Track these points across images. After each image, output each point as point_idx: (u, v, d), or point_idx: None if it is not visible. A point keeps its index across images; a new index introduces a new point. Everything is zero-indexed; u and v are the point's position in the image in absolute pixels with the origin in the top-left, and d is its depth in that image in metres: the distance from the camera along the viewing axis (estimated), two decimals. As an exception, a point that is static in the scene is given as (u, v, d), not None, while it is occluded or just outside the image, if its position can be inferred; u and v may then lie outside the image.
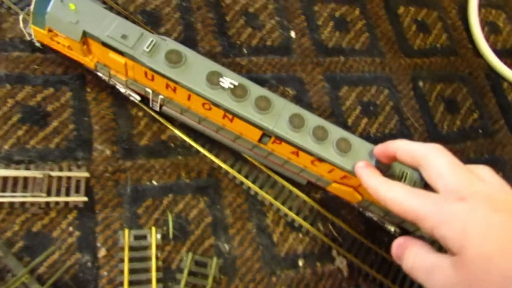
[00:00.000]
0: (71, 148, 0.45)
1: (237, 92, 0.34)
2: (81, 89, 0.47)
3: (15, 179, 0.41)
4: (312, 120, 0.37)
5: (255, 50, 0.57)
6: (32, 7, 0.36)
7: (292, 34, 0.60)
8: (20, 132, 0.44)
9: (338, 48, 0.62)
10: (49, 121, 0.45)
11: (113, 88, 0.46)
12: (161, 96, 0.38)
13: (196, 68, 0.35)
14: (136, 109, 0.47)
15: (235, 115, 0.35)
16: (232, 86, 0.34)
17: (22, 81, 0.46)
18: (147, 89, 0.39)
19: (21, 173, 0.41)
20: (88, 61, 0.39)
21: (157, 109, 0.43)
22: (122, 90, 0.44)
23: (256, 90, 0.36)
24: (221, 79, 0.35)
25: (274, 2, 0.61)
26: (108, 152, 0.46)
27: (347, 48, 0.62)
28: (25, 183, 0.41)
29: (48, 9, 0.34)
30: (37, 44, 0.44)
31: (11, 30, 0.47)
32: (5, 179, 0.41)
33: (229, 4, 0.59)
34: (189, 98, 0.36)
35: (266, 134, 0.36)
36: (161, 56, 0.34)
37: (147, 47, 0.34)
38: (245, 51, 0.56)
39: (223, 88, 0.34)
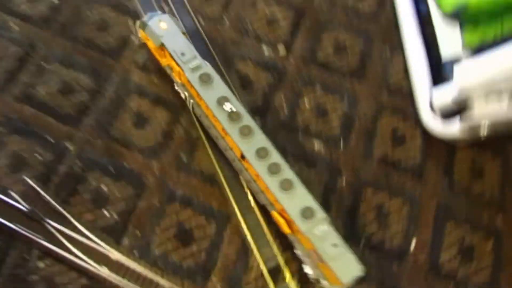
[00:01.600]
0: (194, 272, 0.58)
1: (232, 116, 0.44)
2: (223, 228, 0.61)
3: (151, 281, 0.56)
4: (274, 156, 0.44)
5: (372, 248, 0.64)
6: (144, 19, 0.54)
7: (412, 246, 0.65)
8: (169, 245, 0.59)
9: (452, 275, 0.64)
10: (191, 244, 0.60)
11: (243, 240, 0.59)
12: (191, 100, 0.51)
13: (216, 89, 0.46)
14: (252, 257, 0.59)
15: (225, 131, 0.46)
16: (229, 110, 0.44)
17: (188, 204, 0.62)
18: (186, 93, 0.52)
19: (155, 277, 0.56)
20: (164, 62, 0.54)
21: (190, 108, 0.55)
22: (176, 87, 0.57)
23: (246, 120, 0.45)
24: (226, 102, 0.44)
25: (410, 206, 0.68)
26: (218, 286, 0.57)
27: (461, 276, 0.64)
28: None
29: (149, 22, 0.52)
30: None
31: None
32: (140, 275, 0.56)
33: (368, 198, 0.67)
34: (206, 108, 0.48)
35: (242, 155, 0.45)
36: (197, 74, 0.46)
37: (192, 66, 0.46)
38: (361, 245, 0.63)
39: (224, 109, 0.44)
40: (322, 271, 0.39)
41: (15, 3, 0.70)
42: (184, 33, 0.49)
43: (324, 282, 0.40)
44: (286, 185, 0.41)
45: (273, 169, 0.42)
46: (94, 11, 0.71)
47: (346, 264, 0.38)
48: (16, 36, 0.68)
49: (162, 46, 0.48)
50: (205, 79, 0.45)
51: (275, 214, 0.43)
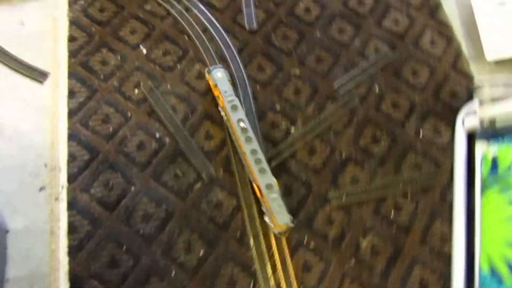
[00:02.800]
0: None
1: (243, 130, 0.67)
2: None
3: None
4: (259, 154, 0.66)
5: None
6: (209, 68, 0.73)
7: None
8: None
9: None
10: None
11: None
12: (225, 117, 0.71)
13: (238, 114, 0.68)
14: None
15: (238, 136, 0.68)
16: (242, 126, 0.66)
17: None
18: (223, 113, 0.71)
19: None
20: (216, 93, 0.71)
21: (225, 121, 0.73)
22: (220, 109, 0.73)
23: (249, 133, 0.66)
24: (241, 122, 0.66)
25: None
26: None
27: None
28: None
29: (212, 71, 0.71)
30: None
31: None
32: None
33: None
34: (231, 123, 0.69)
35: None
36: (230, 104, 0.68)
37: (228, 99, 0.68)
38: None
39: (240, 125, 0.67)
40: (272, 220, 0.63)
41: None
42: (229, 80, 0.71)
43: (272, 226, 0.64)
44: (262, 171, 0.65)
45: (257, 162, 0.66)
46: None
47: (282, 217, 0.62)
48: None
49: (216, 86, 0.71)
50: (233, 107, 0.68)
51: (254, 186, 0.67)
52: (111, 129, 0.70)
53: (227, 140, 0.71)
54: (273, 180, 0.64)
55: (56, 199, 0.66)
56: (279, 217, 0.61)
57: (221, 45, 0.78)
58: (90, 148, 0.69)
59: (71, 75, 0.74)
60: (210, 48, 0.78)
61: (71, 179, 0.67)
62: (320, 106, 0.75)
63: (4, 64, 0.75)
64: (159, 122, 0.71)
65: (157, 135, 0.70)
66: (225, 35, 0.79)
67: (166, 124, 0.71)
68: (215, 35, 0.79)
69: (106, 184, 0.67)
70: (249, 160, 0.65)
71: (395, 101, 0.76)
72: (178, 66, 0.76)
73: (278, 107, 0.74)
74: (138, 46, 0.77)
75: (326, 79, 0.77)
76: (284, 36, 0.80)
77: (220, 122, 0.72)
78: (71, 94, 0.73)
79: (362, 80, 0.77)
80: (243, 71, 0.76)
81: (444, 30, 0.82)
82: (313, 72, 0.77)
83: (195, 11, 0.81)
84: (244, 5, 0.82)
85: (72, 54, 0.76)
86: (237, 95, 0.70)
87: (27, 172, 0.68)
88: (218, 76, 0.70)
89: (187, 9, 0.81)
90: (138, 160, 0.68)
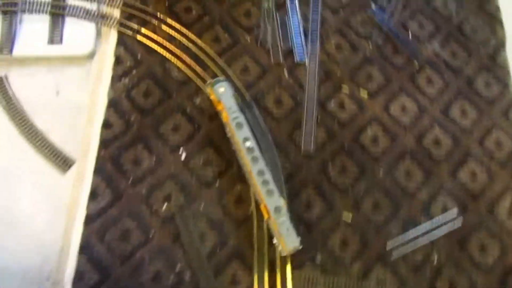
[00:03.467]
0: None
1: (249, 149, 0.64)
2: None
3: None
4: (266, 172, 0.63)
5: None
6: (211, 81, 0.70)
7: None
8: None
9: None
10: None
11: None
12: (229, 133, 0.67)
13: (244, 132, 0.65)
14: None
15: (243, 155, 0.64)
16: (248, 146, 0.63)
17: None
18: (227, 128, 0.67)
19: None
20: (219, 108, 0.68)
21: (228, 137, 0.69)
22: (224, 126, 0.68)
23: (255, 153, 0.64)
24: (247, 142, 0.63)
25: None
26: None
27: None
28: None
29: (215, 86, 0.67)
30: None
31: None
32: None
33: None
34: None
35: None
36: (235, 121, 0.65)
37: (233, 116, 0.65)
38: None
39: (245, 144, 0.64)
40: (280, 243, 0.61)
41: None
42: (234, 95, 0.68)
43: (280, 248, 0.61)
44: (269, 193, 0.62)
45: (265, 183, 0.62)
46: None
47: (291, 240, 0.60)
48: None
49: (219, 101, 0.67)
50: (238, 125, 0.65)
51: (262, 208, 0.63)
52: (129, 248, 0.62)
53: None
54: (282, 202, 0.62)
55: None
56: (288, 240, 0.60)
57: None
58: (101, 268, 0.60)
59: (98, 170, 0.66)
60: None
61: (72, 303, 0.59)
62: (366, 268, 0.65)
63: (29, 141, 0.67)
64: (183, 250, 0.63)
65: (178, 268, 0.62)
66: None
67: (189, 256, 0.63)
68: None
69: (111, 317, 0.59)
70: (256, 181, 0.62)
71: (453, 280, 0.65)
72: (217, 183, 0.67)
73: (319, 258, 0.65)
74: (177, 148, 0.69)
75: (379, 234, 0.66)
76: (342, 168, 0.70)
77: (250, 267, 0.63)
78: (93, 195, 0.64)
79: (420, 245, 0.67)
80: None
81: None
82: (366, 222, 0.67)
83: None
84: (304, 121, 0.73)
85: (104, 144, 0.67)
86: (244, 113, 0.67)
87: (27, 281, 0.61)
88: (221, 91, 0.67)
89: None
90: (150, 296, 0.61)
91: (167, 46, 0.75)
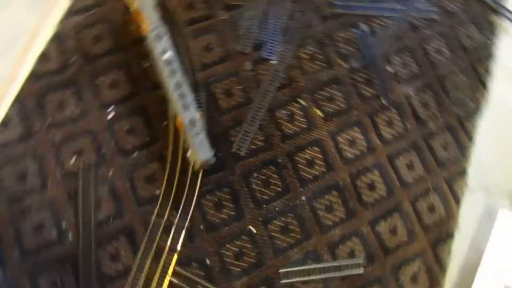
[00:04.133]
0: None
1: (167, 62, 0.62)
2: None
3: None
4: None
5: None
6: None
7: None
8: None
9: None
10: None
11: None
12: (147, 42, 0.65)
13: (163, 44, 0.63)
14: None
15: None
16: (166, 58, 0.62)
17: None
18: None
19: None
20: (139, 21, 0.65)
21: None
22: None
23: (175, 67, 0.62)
24: (166, 54, 0.61)
25: None
26: None
27: None
28: None
29: None
30: None
31: None
32: None
33: None
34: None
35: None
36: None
37: (152, 27, 0.62)
38: None
39: (162, 56, 0.62)
40: (194, 155, 0.62)
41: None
42: (155, 6, 0.64)
43: (193, 161, 0.62)
44: (185, 106, 0.61)
45: (181, 96, 0.62)
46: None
47: (204, 152, 0.61)
48: None
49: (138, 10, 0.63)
50: (157, 36, 0.62)
51: (177, 121, 0.63)
52: (20, 191, 0.60)
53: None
54: (197, 116, 0.61)
55: None
56: (201, 152, 0.60)
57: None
58: (-13, 201, 0.59)
59: (18, 102, 0.62)
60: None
61: None
62: (250, 286, 0.64)
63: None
64: (74, 211, 0.61)
65: (63, 225, 0.60)
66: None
67: (79, 219, 0.61)
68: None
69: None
70: (173, 94, 0.61)
71: (332, 324, 0.65)
72: (134, 155, 0.64)
73: (208, 262, 0.63)
74: (107, 106, 0.65)
75: (277, 256, 0.64)
76: (266, 180, 0.66)
77: (135, 250, 0.61)
78: (3, 125, 0.61)
79: (313, 279, 0.65)
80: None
81: None
82: (269, 241, 0.64)
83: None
84: (247, 120, 0.68)
85: (34, 76, 0.63)
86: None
87: None
88: (143, 1, 0.63)
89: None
90: (26, 245, 0.59)
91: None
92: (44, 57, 0.64)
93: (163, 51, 0.61)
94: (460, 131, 0.75)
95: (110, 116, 0.64)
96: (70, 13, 0.67)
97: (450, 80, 0.78)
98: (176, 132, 0.64)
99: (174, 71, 0.61)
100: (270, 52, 0.72)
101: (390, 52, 0.77)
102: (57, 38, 0.65)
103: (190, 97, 0.61)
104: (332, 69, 0.74)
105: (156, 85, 0.66)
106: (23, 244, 0.58)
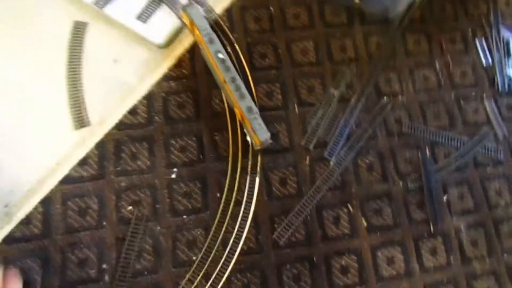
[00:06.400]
0: None
1: (221, 61, 0.71)
2: None
3: None
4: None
5: None
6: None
7: None
8: None
9: None
10: None
11: None
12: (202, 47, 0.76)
13: (216, 46, 0.72)
14: None
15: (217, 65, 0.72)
16: (220, 57, 0.71)
17: None
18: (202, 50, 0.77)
19: None
20: (193, 31, 0.76)
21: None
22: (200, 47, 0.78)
23: (227, 63, 0.71)
24: (219, 54, 0.70)
25: None
26: None
27: None
28: None
29: (188, 11, 0.74)
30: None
31: None
32: None
33: None
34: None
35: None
36: (208, 36, 0.72)
37: (204, 33, 0.72)
38: None
39: (217, 56, 0.71)
40: (253, 138, 0.70)
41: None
42: (206, 17, 0.75)
43: (253, 142, 0.72)
44: (241, 96, 0.70)
45: (237, 88, 0.70)
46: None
47: (262, 133, 0.68)
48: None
49: (192, 22, 0.74)
50: (210, 40, 0.71)
51: (236, 111, 0.74)
52: (78, 224, 0.66)
53: None
54: (252, 103, 0.70)
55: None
56: (259, 134, 0.67)
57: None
58: (47, 226, 0.65)
59: (101, 144, 0.70)
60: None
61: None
62: None
63: (68, 85, 0.73)
64: (117, 255, 0.66)
65: (104, 265, 0.65)
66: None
67: (119, 263, 0.65)
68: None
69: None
70: (230, 86, 0.70)
71: None
72: (184, 219, 0.69)
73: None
74: (173, 166, 0.71)
75: None
76: (295, 277, 0.69)
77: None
78: (83, 162, 0.69)
79: None
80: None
81: None
82: None
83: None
84: (292, 214, 0.72)
85: (119, 125, 0.72)
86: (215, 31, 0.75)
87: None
88: (193, 13, 0.73)
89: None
90: (67, 275, 0.63)
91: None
92: (133, 111, 0.73)
93: (217, 52, 0.71)
94: (507, 280, 0.72)
95: (173, 176, 0.70)
96: (165, 77, 0.76)
97: (506, 226, 0.76)
98: (224, 210, 0.69)
99: (228, 67, 0.71)
100: (331, 154, 0.75)
101: (449, 181, 0.78)
102: (149, 97, 0.74)
103: (244, 89, 0.70)
104: (387, 184, 0.76)
105: (221, 158, 0.72)
106: (64, 274, 0.63)
